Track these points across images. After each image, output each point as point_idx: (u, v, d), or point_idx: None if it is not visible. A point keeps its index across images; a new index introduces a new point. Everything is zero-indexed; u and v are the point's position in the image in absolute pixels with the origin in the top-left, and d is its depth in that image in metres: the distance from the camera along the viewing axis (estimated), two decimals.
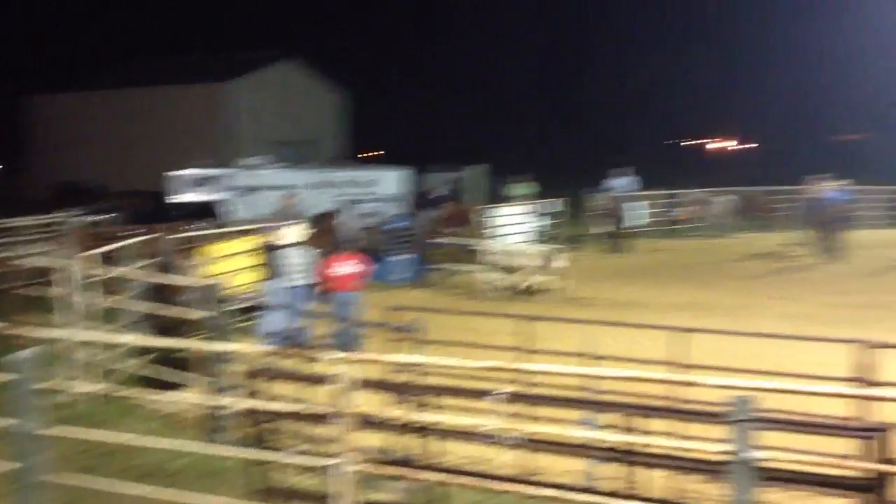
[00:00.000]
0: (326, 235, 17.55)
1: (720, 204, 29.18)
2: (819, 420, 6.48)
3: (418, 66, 71.98)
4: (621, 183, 27.34)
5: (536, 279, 17.78)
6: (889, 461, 5.80)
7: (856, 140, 49.95)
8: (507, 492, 6.61)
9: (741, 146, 69.31)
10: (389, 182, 28.41)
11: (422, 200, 23.22)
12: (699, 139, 73.50)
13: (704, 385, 5.83)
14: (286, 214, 17.83)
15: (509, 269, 18.29)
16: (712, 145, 72.96)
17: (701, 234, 28.61)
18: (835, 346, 8.42)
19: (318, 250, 16.30)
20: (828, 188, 23.65)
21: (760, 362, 11.46)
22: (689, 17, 62.76)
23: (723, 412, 5.53)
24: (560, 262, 17.77)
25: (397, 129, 64.06)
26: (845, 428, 6.31)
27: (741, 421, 5.40)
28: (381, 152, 60.90)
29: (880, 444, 5.83)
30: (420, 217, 22.42)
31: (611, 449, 6.65)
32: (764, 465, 5.63)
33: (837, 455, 6.53)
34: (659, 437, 6.91)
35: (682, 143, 73.51)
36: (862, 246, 23.09)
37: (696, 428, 6.98)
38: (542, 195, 28.21)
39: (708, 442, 6.07)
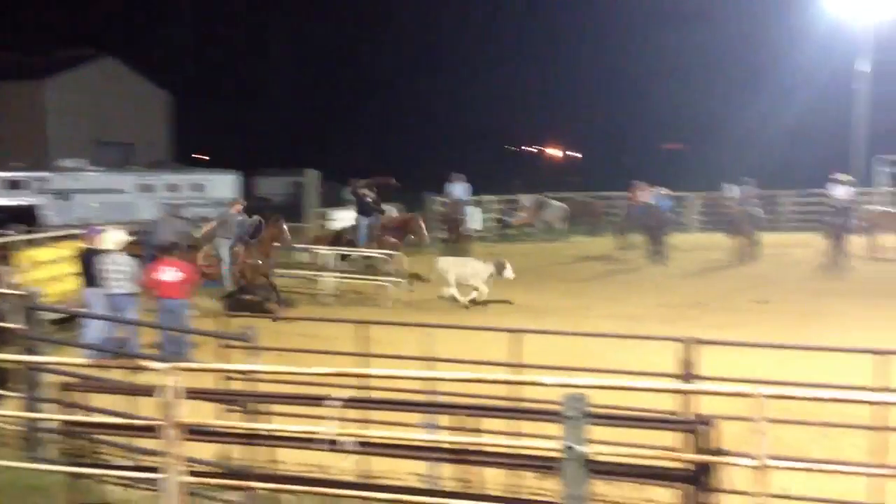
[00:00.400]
0: (269, 242, 16.51)
1: (553, 209, 30.05)
2: (646, 415, 6.71)
3: (247, 69, 70.27)
4: (460, 188, 27.68)
5: (483, 290, 17.29)
6: (711, 452, 6.06)
7: (678, 149, 52.74)
8: (346, 498, 6.50)
9: (574, 153, 71.73)
10: (220, 186, 27.63)
11: (361, 207, 20.83)
12: (539, 145, 75.51)
13: (541, 384, 5.93)
14: (228, 223, 16.69)
15: (458, 280, 17.56)
16: (550, 152, 75.16)
17: (535, 238, 29.38)
18: (661, 343, 8.77)
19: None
20: (652, 194, 24.91)
21: (592, 361, 11.82)
22: (524, 25, 64.09)
23: (557, 410, 5.64)
24: (510, 273, 17.34)
25: (225, 133, 62.16)
26: (671, 421, 6.55)
27: (573, 418, 5.52)
28: (207, 157, 59.12)
29: (703, 436, 6.08)
30: (362, 224, 20.53)
31: (451, 450, 6.65)
32: (595, 458, 5.78)
33: (664, 447, 6.79)
34: (497, 436, 7.00)
35: (524, 149, 75.39)
36: (682, 249, 24.35)
37: (532, 426, 7.10)
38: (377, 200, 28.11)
39: (543, 439, 6.18)
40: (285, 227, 16.87)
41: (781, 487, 7.02)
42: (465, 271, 17.57)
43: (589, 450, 5.66)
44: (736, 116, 44.12)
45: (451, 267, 17.71)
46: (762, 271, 21.41)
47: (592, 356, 12.12)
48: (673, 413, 7.29)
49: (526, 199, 30.88)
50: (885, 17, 32.62)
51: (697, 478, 6.06)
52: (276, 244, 16.76)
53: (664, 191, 25.81)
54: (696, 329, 13.21)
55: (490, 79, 65.22)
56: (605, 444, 6.28)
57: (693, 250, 24.58)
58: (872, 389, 6.68)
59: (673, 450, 6.58)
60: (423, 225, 20.80)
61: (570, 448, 5.61)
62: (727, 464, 5.90)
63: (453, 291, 17.38)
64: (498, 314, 16.15)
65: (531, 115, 66.40)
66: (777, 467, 5.67)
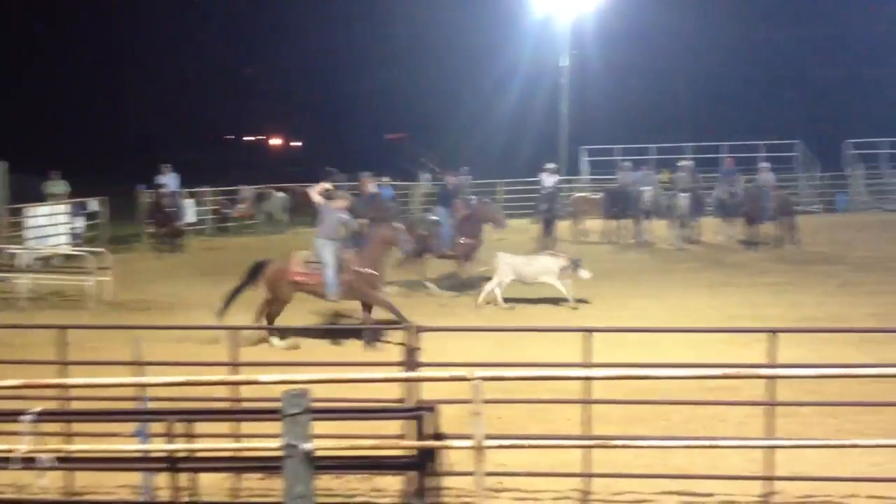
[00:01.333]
0: (380, 247, 13.44)
1: (275, 200, 29.53)
2: (370, 406, 6.66)
3: None
4: (171, 179, 26.38)
5: (560, 288, 15.43)
6: (434, 437, 6.11)
7: (400, 138, 53.61)
8: None
9: (296, 143, 70.95)
10: None
11: (445, 196, 18.03)
12: (259, 135, 73.86)
13: (258, 382, 5.69)
14: (328, 221, 13.30)
15: (525, 280, 15.66)
16: (272, 141, 73.88)
17: (256, 231, 28.77)
18: (390, 332, 8.76)
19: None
20: (376, 184, 25.16)
21: (319, 355, 11.74)
22: (238, 10, 61.63)
23: (277, 408, 5.44)
24: (586, 273, 15.56)
25: None
26: (394, 410, 6.55)
27: (294, 414, 5.34)
28: None
29: (426, 422, 6.12)
30: (445, 216, 17.36)
31: (167, 458, 6.23)
32: (320, 454, 5.64)
33: (390, 436, 6.78)
34: (216, 440, 6.66)
35: (244, 139, 73.47)
36: None
37: (255, 426, 6.83)
38: (77, 193, 26.12)
39: (265, 439, 5.95)
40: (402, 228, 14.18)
41: (501, 464, 7.27)
42: (532, 269, 15.62)
43: (312, 446, 5.50)
44: (456, 107, 45.64)
45: (512, 265, 15.73)
46: (479, 257, 22.23)
47: (320, 350, 12.05)
48: (400, 401, 7.31)
49: (246, 190, 30.15)
50: (585, 13, 35.18)
51: (422, 463, 6.10)
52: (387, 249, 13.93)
53: (385, 180, 26.22)
54: (422, 316, 13.50)
55: (205, 66, 62.67)
56: (327, 437, 6.16)
57: None
58: (579, 365, 7.05)
59: (398, 438, 6.59)
60: (498, 210, 18.09)
61: (291, 446, 5.42)
62: (449, 447, 5.98)
63: (495, 291, 15.58)
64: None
65: (250, 104, 64.72)
66: (494, 446, 5.82)
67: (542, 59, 38.62)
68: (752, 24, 44.96)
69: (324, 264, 12.99)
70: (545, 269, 15.60)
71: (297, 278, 13.03)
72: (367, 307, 13.17)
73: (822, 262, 19.78)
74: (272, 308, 13.17)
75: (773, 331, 6.78)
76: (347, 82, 50.88)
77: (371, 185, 25.03)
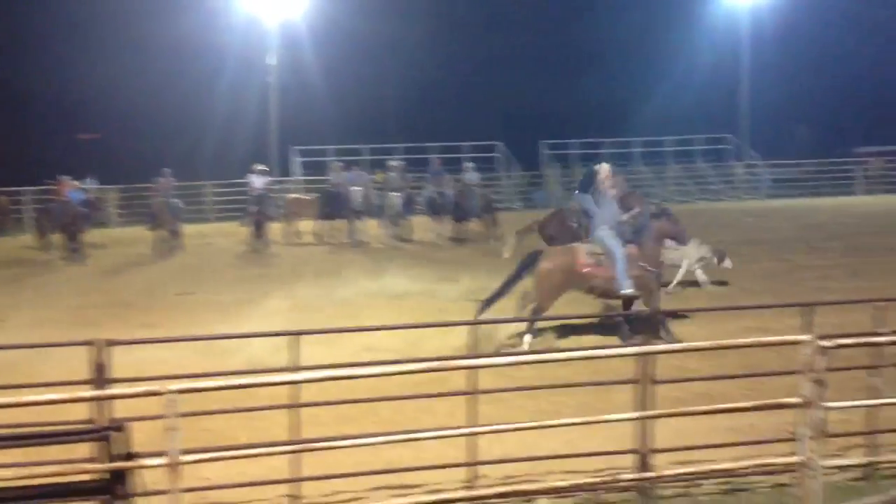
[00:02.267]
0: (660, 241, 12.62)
1: None
2: (50, 429, 6.06)
3: None
4: None
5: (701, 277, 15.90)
6: (128, 457, 5.69)
7: (94, 139, 50.01)
8: None
9: None
10: None
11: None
12: None
13: None
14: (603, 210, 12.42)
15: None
16: None
17: None
18: (76, 349, 8.06)
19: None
20: (69, 188, 23.58)
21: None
22: None
23: None
24: (729, 262, 15.91)
25: None
26: (79, 433, 6.01)
27: None
28: None
29: (117, 443, 5.68)
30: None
31: None
32: None
33: (77, 460, 6.23)
34: None
35: None
36: (101, 245, 23.44)
37: None
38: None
39: None
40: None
41: (205, 478, 6.92)
42: (673, 255, 15.20)
43: None
44: (158, 105, 43.32)
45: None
46: (186, 263, 21.46)
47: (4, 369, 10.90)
48: (90, 421, 6.73)
49: None
50: (293, 14, 35.07)
51: (112, 487, 5.67)
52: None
53: (79, 183, 24.68)
54: (123, 328, 12.70)
55: None
56: (12, 466, 5.57)
57: (113, 246, 23.83)
58: (285, 370, 6.88)
59: (83, 461, 6.07)
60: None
61: None
62: (140, 466, 5.58)
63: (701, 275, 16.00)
64: None
65: None
66: (191, 461, 5.51)
67: (250, 57, 37.91)
68: (456, 31, 47.01)
69: (611, 256, 12.06)
70: (684, 254, 15.57)
71: (587, 270, 12.10)
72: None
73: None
74: (541, 304, 12.07)
75: (473, 323, 6.98)
76: (30, 77, 46.07)
77: (63, 189, 23.48)
